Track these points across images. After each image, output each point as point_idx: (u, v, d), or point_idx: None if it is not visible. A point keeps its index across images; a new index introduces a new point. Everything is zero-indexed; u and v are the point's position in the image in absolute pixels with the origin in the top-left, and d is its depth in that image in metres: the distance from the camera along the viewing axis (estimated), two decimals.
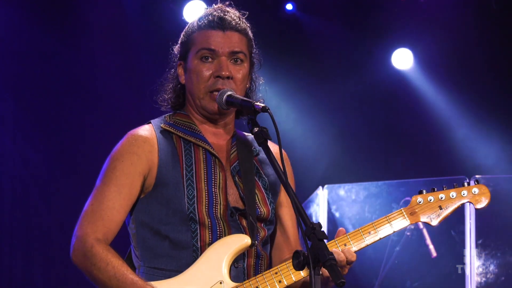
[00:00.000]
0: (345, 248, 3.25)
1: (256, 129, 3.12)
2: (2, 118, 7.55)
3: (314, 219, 7.27)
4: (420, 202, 3.42)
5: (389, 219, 3.36)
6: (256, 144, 3.46)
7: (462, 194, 3.45)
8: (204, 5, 7.70)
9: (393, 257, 7.07)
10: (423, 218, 3.40)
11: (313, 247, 2.79)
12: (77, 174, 7.49)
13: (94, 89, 7.93)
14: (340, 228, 3.35)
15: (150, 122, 3.45)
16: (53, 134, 7.77)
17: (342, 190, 7.86)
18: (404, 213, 3.39)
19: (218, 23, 3.39)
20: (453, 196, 3.44)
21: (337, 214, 7.68)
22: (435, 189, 3.44)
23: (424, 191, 3.44)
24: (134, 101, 7.59)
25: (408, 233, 7.02)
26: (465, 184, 3.48)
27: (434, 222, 3.42)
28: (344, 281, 2.72)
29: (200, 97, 3.38)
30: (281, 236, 3.55)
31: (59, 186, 7.64)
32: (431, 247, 6.92)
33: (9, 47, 7.59)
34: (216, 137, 3.45)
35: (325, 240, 2.82)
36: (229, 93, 3.30)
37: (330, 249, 2.83)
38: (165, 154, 3.33)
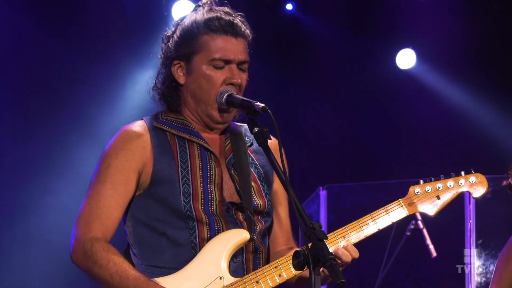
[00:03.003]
0: (345, 242, 3.24)
1: (256, 129, 3.10)
2: (2, 118, 7.54)
3: (314, 219, 7.27)
4: (417, 192, 3.40)
5: (387, 210, 3.36)
6: (249, 134, 3.43)
7: (459, 183, 3.41)
8: (191, 4, 7.58)
9: (393, 257, 7.06)
10: (421, 208, 3.38)
11: (313, 247, 2.78)
12: (78, 173, 7.48)
13: (94, 89, 7.92)
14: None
15: (143, 119, 3.41)
16: (53, 134, 7.76)
17: (342, 190, 7.86)
18: (402, 203, 3.38)
19: (231, 29, 3.33)
20: (450, 185, 3.41)
21: (337, 214, 7.68)
22: (432, 179, 3.42)
23: (421, 181, 3.41)
24: (135, 101, 7.59)
25: (408, 233, 7.01)
26: (462, 173, 3.45)
27: (432, 212, 3.39)
28: (344, 281, 2.71)
29: (209, 103, 3.33)
30: (276, 227, 3.53)
31: (60, 186, 7.63)
32: (431, 247, 6.90)
33: (9, 47, 7.59)
34: (210, 131, 3.42)
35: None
36: (229, 93, 3.29)
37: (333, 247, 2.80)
38: (159, 151, 3.30)
